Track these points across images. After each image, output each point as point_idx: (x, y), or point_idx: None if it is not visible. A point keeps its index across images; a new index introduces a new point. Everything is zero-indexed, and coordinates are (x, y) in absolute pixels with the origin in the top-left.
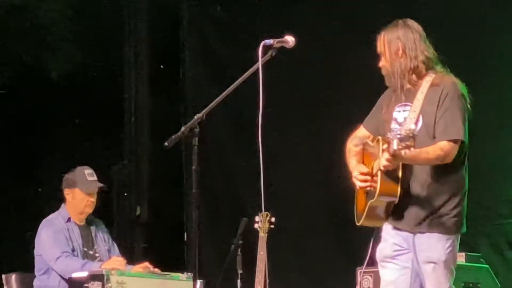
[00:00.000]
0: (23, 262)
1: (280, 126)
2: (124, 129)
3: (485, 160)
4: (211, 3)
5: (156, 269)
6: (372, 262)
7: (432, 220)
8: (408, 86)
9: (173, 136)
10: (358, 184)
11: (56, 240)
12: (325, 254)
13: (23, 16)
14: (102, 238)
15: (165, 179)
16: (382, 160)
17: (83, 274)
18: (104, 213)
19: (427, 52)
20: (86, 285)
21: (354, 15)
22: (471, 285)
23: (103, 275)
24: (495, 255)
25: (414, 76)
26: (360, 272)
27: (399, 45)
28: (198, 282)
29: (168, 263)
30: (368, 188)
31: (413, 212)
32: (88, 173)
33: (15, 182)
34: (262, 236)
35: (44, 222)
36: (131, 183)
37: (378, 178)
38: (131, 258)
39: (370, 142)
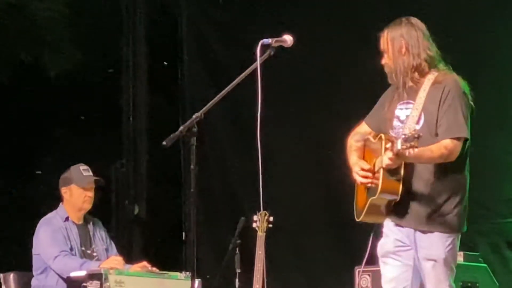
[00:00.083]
0: (21, 261)
1: (278, 126)
2: (123, 128)
3: (484, 159)
4: (209, 2)
5: (154, 268)
6: (371, 260)
7: (433, 218)
8: (411, 84)
9: (171, 136)
10: (359, 179)
11: (54, 239)
12: (323, 253)
13: (21, 16)
14: (100, 237)
15: (163, 178)
16: (385, 159)
17: (82, 273)
18: (102, 212)
19: (430, 50)
20: (84, 284)
21: (353, 14)
22: (469, 284)
23: (101, 274)
24: (494, 254)
25: (416, 74)
26: (359, 271)
27: (402, 42)
28: (196, 281)
29: (166, 262)
30: (369, 185)
31: (415, 210)
32: (83, 169)
33: (13, 181)
34: (260, 236)
35: (42, 221)
36: (129, 182)
37: (380, 176)
38: (129, 257)
39: (372, 139)
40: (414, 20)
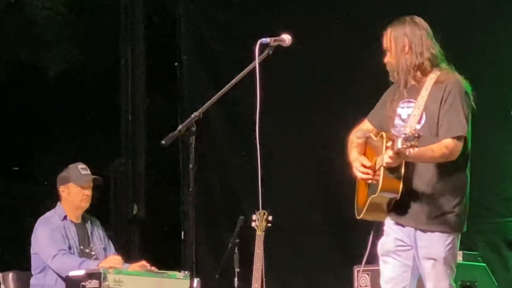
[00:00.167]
0: (21, 261)
1: (277, 125)
2: (121, 127)
3: (483, 158)
4: (208, 2)
5: (153, 268)
6: (370, 260)
7: (434, 218)
8: (413, 82)
9: (170, 135)
10: (359, 175)
11: (52, 238)
12: (322, 252)
13: (20, 15)
14: (98, 236)
15: (162, 177)
16: (385, 157)
17: (80, 272)
18: (101, 211)
19: (433, 49)
20: (83, 283)
21: (352, 14)
22: (468, 283)
23: (100, 273)
24: (492, 254)
25: (418, 73)
26: (358, 270)
27: (406, 41)
28: (195, 281)
29: (165, 261)
30: (370, 181)
31: (415, 209)
32: (81, 168)
33: (11, 180)
34: (259, 235)
35: (40, 220)
36: (128, 181)
37: (381, 174)
38: (128, 256)
39: (373, 137)
40: (418, 19)
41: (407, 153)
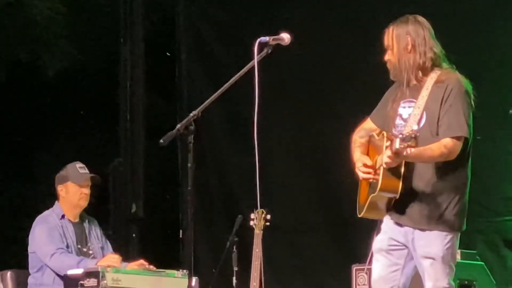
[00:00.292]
0: (19, 260)
1: (276, 124)
2: (120, 126)
3: (482, 158)
4: (207, 1)
5: (151, 266)
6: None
7: (432, 217)
8: (414, 82)
9: (168, 134)
10: (361, 175)
11: (50, 237)
12: (321, 251)
13: (19, 14)
14: (95, 236)
15: (161, 176)
16: (384, 157)
17: (79, 271)
18: (100, 210)
19: (435, 48)
20: (81, 282)
21: (352, 13)
22: (466, 282)
23: (98, 272)
24: (491, 253)
25: (420, 73)
26: (356, 269)
27: (409, 40)
28: (194, 279)
29: (163, 260)
30: (371, 181)
31: (414, 208)
32: (79, 167)
33: (9, 180)
34: (258, 233)
35: (38, 219)
36: (127, 180)
37: (381, 174)
38: (127, 255)
39: (376, 136)
40: (421, 18)
41: (405, 153)
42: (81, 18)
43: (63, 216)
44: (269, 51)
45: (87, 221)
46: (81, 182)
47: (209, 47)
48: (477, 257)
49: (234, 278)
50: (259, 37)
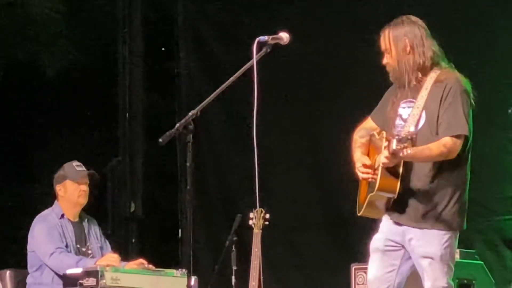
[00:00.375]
0: (17, 259)
1: (275, 123)
2: (119, 125)
3: (480, 157)
4: (206, 0)
5: (150, 266)
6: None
7: (430, 216)
8: (414, 82)
9: (167, 133)
10: (360, 175)
11: (50, 236)
12: (320, 250)
13: (17, 14)
14: (94, 235)
15: (160, 175)
16: (381, 157)
17: (78, 270)
18: (99, 209)
19: (433, 47)
20: (80, 281)
21: (350, 12)
22: (465, 281)
23: (97, 271)
24: (490, 252)
25: (419, 73)
26: (355, 268)
27: (407, 41)
28: (192, 279)
29: (162, 259)
30: (370, 180)
31: (412, 208)
32: (76, 165)
33: (8, 179)
34: (257, 233)
35: (38, 218)
36: (126, 179)
37: (379, 173)
38: (126, 254)
39: (376, 135)
40: (415, 18)
41: (401, 154)
42: (81, 18)
43: (62, 216)
44: (268, 50)
45: (86, 220)
46: (79, 179)
47: (208, 47)
48: (476, 256)
49: (233, 277)
50: (258, 37)
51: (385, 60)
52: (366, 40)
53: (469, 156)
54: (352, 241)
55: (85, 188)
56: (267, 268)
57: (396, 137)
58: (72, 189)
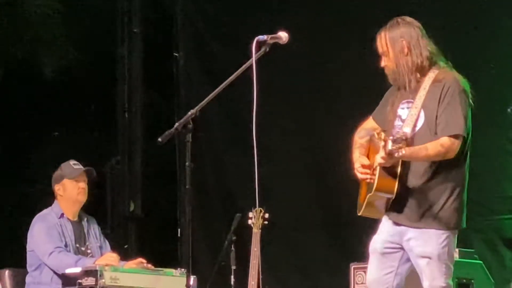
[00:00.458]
0: (16, 258)
1: (274, 122)
2: (118, 125)
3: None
4: None
5: (149, 265)
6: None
7: (428, 215)
8: (414, 83)
9: (166, 132)
10: (359, 176)
11: (49, 236)
12: (319, 250)
13: (15, 13)
14: (94, 235)
15: (159, 175)
16: (378, 158)
17: (77, 270)
18: (98, 209)
19: (429, 47)
20: (79, 281)
21: (348, 12)
22: (464, 281)
23: (96, 271)
24: (489, 251)
25: (418, 73)
26: (354, 268)
27: (404, 43)
28: (192, 278)
29: (161, 258)
30: (368, 181)
31: (410, 208)
32: (73, 164)
33: (7, 179)
34: (256, 232)
35: (37, 217)
36: (125, 179)
37: (377, 174)
38: (125, 254)
39: (376, 135)
40: (409, 18)
41: (396, 154)
42: (80, 17)
43: (62, 215)
44: (267, 49)
45: (85, 219)
46: (77, 176)
47: (207, 45)
48: (475, 255)
49: (232, 276)
50: (257, 36)
51: (383, 63)
52: (366, 40)
53: (468, 156)
54: (352, 241)
55: (83, 185)
56: (266, 267)
57: (391, 137)
58: (71, 187)
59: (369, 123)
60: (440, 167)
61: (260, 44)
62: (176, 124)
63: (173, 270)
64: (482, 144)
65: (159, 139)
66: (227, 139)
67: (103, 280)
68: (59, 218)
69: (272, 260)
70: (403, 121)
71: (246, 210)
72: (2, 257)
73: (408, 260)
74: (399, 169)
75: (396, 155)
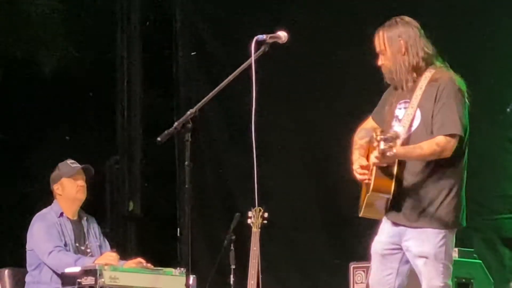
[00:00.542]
0: (16, 258)
1: (273, 122)
2: (117, 124)
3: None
4: None
5: (149, 265)
6: (366, 257)
7: (425, 215)
8: (410, 83)
9: (166, 132)
10: (358, 176)
11: (48, 235)
12: (319, 249)
13: (15, 12)
14: (93, 234)
15: (158, 174)
16: (372, 157)
17: (76, 269)
18: (97, 208)
19: (427, 47)
20: (79, 280)
21: (347, 11)
22: (464, 280)
23: (96, 270)
24: (488, 251)
25: (414, 73)
26: (354, 267)
27: (401, 42)
28: (191, 278)
29: (161, 258)
30: (366, 181)
31: (408, 207)
32: (70, 162)
33: (7, 178)
34: (255, 232)
35: (37, 216)
36: (124, 178)
37: (373, 174)
38: (124, 253)
39: (375, 135)
40: (408, 18)
41: (388, 153)
42: (78, 16)
43: (61, 214)
44: (266, 49)
45: (85, 219)
46: (74, 174)
47: (206, 45)
48: (475, 255)
49: (231, 276)
50: (256, 35)
51: (380, 61)
52: (366, 40)
53: (466, 155)
54: (351, 240)
55: (82, 183)
56: (266, 267)
57: (382, 136)
58: (69, 185)
59: (369, 123)
60: (437, 166)
61: (259, 44)
62: (176, 123)
63: (172, 270)
64: (482, 143)
65: (159, 139)
66: (227, 139)
67: (103, 280)
68: (59, 217)
69: (272, 259)
70: (400, 121)
71: (246, 209)
72: (1, 256)
73: (408, 262)
74: (395, 169)
75: (388, 154)
